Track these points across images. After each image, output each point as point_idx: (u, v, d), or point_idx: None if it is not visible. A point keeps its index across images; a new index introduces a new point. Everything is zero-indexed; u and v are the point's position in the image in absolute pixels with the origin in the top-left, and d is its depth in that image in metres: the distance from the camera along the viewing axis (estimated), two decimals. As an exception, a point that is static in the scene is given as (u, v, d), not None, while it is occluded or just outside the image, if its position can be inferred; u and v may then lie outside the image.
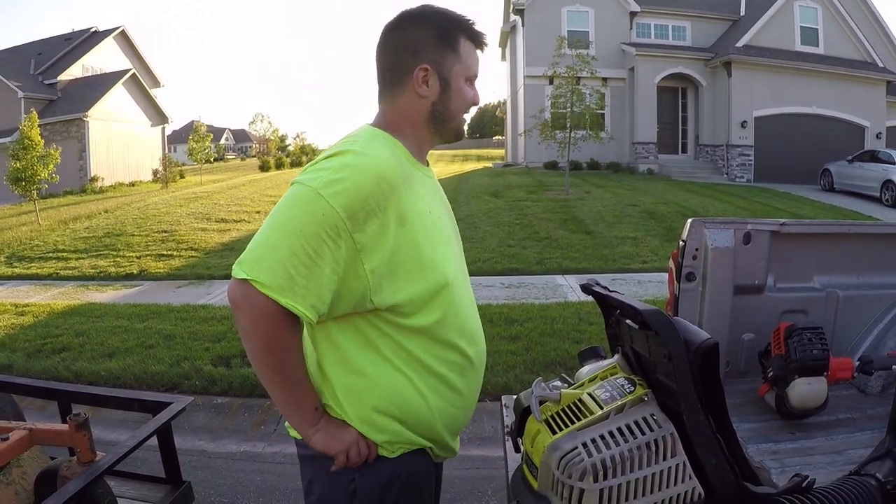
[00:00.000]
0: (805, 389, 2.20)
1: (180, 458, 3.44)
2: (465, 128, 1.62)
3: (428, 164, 1.63)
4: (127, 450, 2.16)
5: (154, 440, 2.39)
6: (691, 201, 14.83)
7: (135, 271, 9.56)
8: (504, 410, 1.70)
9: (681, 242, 2.45)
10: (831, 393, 2.28)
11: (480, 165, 28.14)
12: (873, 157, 17.78)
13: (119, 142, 25.92)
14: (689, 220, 2.43)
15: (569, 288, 7.67)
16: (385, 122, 1.54)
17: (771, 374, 2.31)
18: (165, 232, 12.29)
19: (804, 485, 1.44)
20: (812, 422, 2.31)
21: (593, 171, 21.91)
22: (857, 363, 2.31)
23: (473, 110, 1.68)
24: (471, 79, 1.57)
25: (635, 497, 1.26)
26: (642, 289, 7.50)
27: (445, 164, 30.85)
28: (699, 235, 2.43)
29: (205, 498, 3.46)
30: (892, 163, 16.69)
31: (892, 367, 2.17)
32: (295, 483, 1.74)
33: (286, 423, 1.66)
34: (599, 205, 14.04)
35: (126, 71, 27.34)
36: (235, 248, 10.91)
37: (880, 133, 22.09)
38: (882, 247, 2.81)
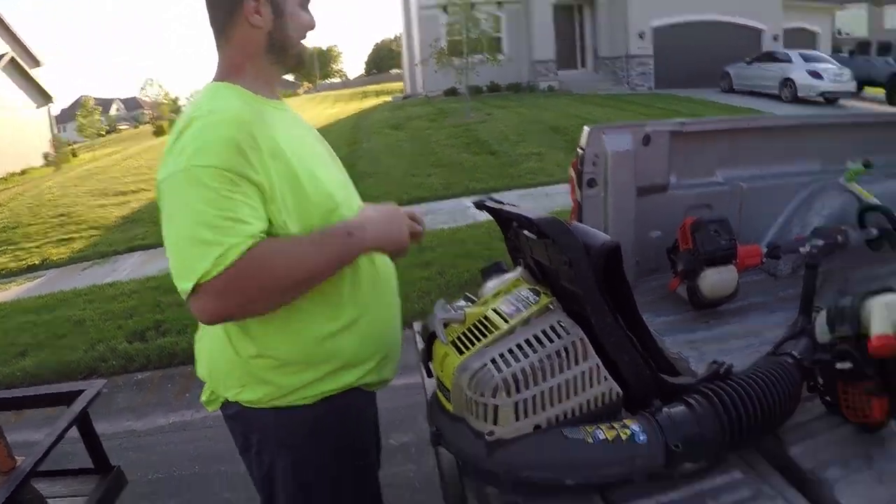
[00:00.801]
0: (715, 279, 2.24)
1: (110, 442, 3.36)
2: (307, 55, 1.58)
3: (280, 99, 1.58)
4: (45, 449, 2.07)
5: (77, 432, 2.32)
6: (594, 113, 15.03)
7: (36, 262, 9.04)
8: (416, 337, 1.66)
9: (580, 150, 2.44)
10: (742, 280, 2.33)
11: (380, 101, 27.38)
12: (771, 57, 18.54)
13: (2, 131, 24.15)
14: (587, 128, 2.41)
15: (476, 210, 7.65)
16: (225, 68, 1.48)
17: (680, 267, 2.34)
18: (63, 215, 11.65)
19: (722, 371, 1.46)
20: (725, 309, 2.36)
21: (494, 93, 21.89)
22: (765, 249, 2.35)
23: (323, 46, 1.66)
24: (304, 3, 1.52)
25: (552, 405, 1.25)
26: (550, 201, 7.61)
27: (344, 103, 30.09)
28: (598, 142, 2.42)
29: (140, 478, 3.36)
30: (790, 62, 17.42)
31: (800, 249, 2.22)
32: (228, 444, 1.71)
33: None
34: (502, 125, 14.10)
35: (1, 56, 25.33)
36: (137, 219, 10.54)
37: (777, 35, 22.89)
38: (782, 139, 2.88)
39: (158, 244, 6.65)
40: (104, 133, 36.16)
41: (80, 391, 2.48)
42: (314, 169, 1.45)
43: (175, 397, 4.35)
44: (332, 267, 1.41)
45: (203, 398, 1.66)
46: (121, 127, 47.46)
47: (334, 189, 1.49)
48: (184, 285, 1.24)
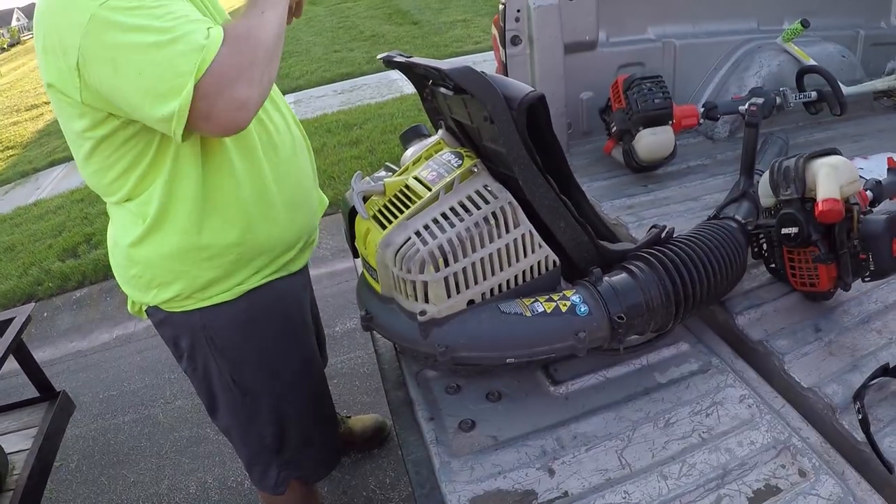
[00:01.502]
0: (651, 140, 2.15)
1: (58, 366, 3.29)
2: None
3: None
4: (-19, 386, 2.03)
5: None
6: None
7: (-46, 195, 8.54)
8: (344, 218, 1.57)
9: (501, 5, 2.28)
10: (679, 142, 2.26)
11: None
12: None
13: None
14: None
15: (404, 81, 7.60)
16: None
17: (615, 128, 2.25)
18: (-25, 138, 11.01)
19: (664, 235, 1.40)
20: (663, 172, 2.30)
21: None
22: (702, 109, 2.27)
23: None
24: None
25: (485, 278, 1.17)
26: (480, 68, 7.34)
27: None
28: None
29: (92, 398, 3.33)
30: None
31: (739, 108, 2.15)
32: None
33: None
34: None
35: None
36: (52, 130, 10.04)
37: None
38: None
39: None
40: (6, 47, 34.29)
41: (10, 320, 2.43)
42: None
43: (117, 310, 4.24)
44: (282, 22, 1.26)
45: (129, 309, 1.59)
46: (25, 38, 44.59)
47: None
48: (168, 110, 1.09)
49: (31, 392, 2.58)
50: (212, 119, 1.11)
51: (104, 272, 4.63)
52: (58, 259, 5.01)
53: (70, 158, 7.98)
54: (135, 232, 1.37)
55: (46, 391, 2.58)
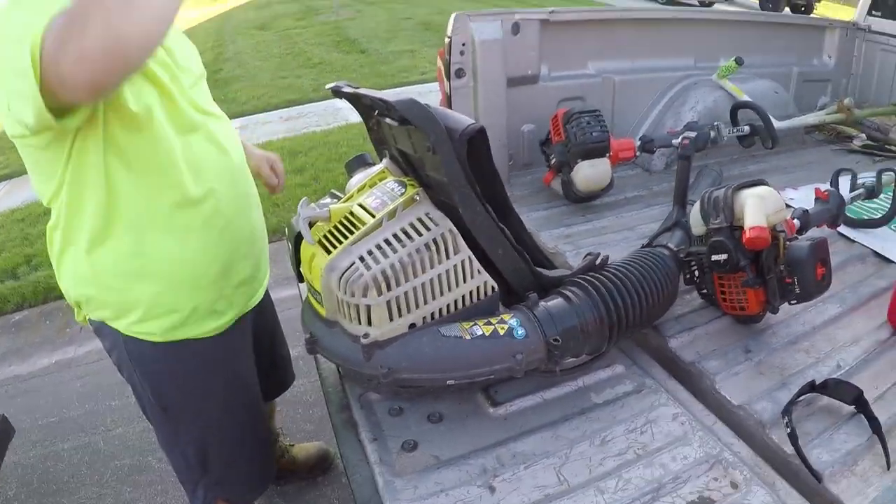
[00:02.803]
0: (589, 172, 2.23)
1: None
2: None
3: None
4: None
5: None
6: (467, 8, 14.83)
7: None
8: (288, 245, 1.58)
9: (447, 38, 2.34)
10: (616, 174, 2.34)
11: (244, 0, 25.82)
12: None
13: None
14: (454, 14, 2.31)
15: (349, 110, 7.50)
16: None
17: (554, 160, 2.31)
18: None
19: (598, 262, 1.46)
20: (601, 202, 2.38)
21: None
22: (639, 143, 2.35)
23: None
24: None
25: (426, 302, 1.20)
26: (424, 99, 7.39)
27: (207, 4, 28.18)
28: (465, 29, 2.33)
29: (31, 424, 3.20)
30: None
31: (673, 141, 2.23)
32: (116, 376, 1.65)
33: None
34: (372, 22, 13.82)
35: None
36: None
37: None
38: (652, 32, 2.88)
39: (21, 172, 6.16)
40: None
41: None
42: None
43: (57, 334, 4.08)
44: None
45: (75, 317, 1.57)
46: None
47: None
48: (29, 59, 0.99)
49: (-31, 417, 2.48)
50: (64, 80, 1.00)
51: (44, 294, 4.46)
52: (-4, 280, 4.83)
53: (9, 176, 7.76)
54: (58, 241, 1.37)
55: (-19, 416, 2.50)
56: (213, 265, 1.44)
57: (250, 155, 1.72)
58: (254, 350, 1.76)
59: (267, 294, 1.82)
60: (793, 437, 1.19)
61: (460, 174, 1.16)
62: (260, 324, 1.79)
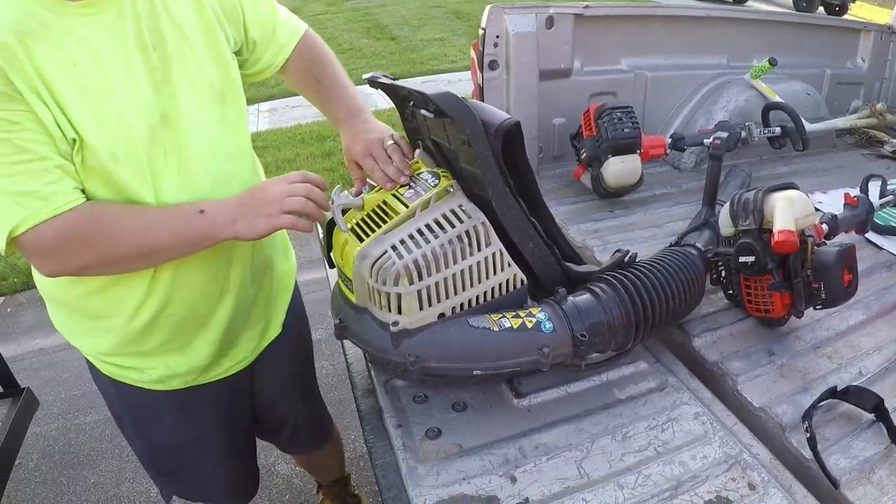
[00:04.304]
0: (619, 167, 2.23)
1: (20, 363, 3.25)
2: None
3: None
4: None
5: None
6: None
7: None
8: (319, 229, 1.60)
9: (481, 30, 2.35)
10: (646, 171, 2.33)
11: (275, -15, 25.88)
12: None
13: None
14: (488, 7, 2.32)
15: (379, 96, 7.54)
16: None
17: (584, 155, 2.32)
18: None
19: (627, 259, 1.46)
20: (630, 199, 2.38)
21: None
22: (670, 140, 2.35)
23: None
24: None
25: (456, 293, 1.22)
26: (453, 88, 7.35)
27: None
28: (499, 22, 2.33)
29: (54, 396, 3.29)
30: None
31: (704, 141, 2.22)
32: None
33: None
34: (403, 9, 13.77)
35: None
36: None
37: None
38: (686, 29, 2.86)
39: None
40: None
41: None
42: (88, 106, 1.12)
43: (81, 308, 4.19)
44: (181, 246, 1.23)
45: None
46: None
47: (102, 136, 1.14)
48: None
49: (-1, 391, 2.55)
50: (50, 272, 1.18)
51: (69, 269, 4.57)
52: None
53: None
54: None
55: (10, 387, 2.56)
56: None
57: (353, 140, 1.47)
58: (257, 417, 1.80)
59: (280, 365, 1.76)
60: (812, 442, 1.20)
61: (494, 168, 1.17)
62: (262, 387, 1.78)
